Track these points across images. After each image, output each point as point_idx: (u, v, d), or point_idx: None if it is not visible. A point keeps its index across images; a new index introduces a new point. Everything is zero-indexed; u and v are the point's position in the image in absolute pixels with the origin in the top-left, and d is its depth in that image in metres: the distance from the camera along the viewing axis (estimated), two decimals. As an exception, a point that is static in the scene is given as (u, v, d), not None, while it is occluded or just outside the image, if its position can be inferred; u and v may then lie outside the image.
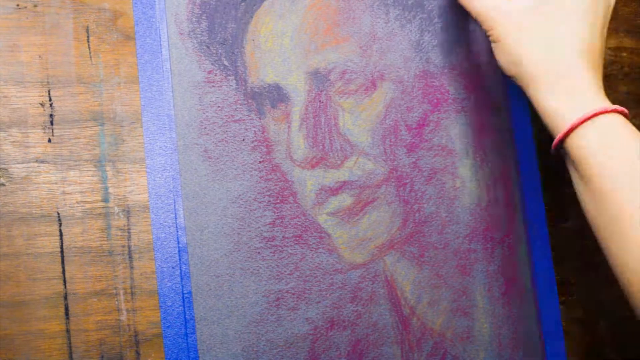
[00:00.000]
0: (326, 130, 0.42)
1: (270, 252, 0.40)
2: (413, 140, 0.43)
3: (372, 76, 0.43)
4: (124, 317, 0.37)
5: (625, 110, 0.34)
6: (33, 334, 0.36)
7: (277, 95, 0.41)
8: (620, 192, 0.33)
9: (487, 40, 0.39)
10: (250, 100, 0.41)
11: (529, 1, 0.37)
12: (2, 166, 0.37)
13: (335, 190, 0.41)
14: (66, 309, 0.37)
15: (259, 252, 0.40)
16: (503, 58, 0.37)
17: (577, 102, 0.34)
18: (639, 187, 0.32)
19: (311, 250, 0.41)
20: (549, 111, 0.35)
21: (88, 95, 0.39)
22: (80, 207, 0.38)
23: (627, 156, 0.33)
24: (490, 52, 0.39)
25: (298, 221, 0.41)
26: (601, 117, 0.34)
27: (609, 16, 0.37)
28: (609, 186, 0.33)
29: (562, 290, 0.46)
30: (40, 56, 0.38)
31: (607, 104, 0.34)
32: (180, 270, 0.38)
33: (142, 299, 0.38)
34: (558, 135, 0.35)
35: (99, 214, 0.38)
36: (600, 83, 0.36)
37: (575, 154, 0.35)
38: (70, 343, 0.36)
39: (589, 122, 0.34)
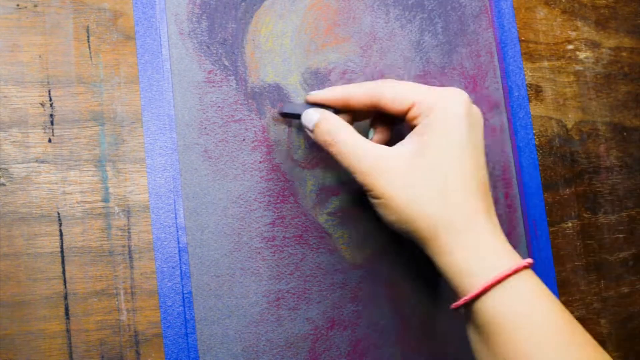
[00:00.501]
0: (326, 130, 0.42)
1: (271, 252, 0.40)
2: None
3: (372, 76, 0.43)
4: (124, 317, 0.37)
5: (531, 262, 0.31)
6: (33, 334, 0.36)
7: (277, 95, 0.41)
8: None
9: (488, 42, 0.39)
10: (250, 100, 0.41)
11: (409, 146, 0.33)
12: (2, 166, 0.37)
13: (336, 190, 0.41)
14: (66, 309, 0.37)
15: (259, 252, 0.40)
16: (391, 217, 0.33)
17: (484, 261, 0.31)
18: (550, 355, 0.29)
19: (312, 250, 0.41)
20: (451, 270, 0.32)
21: (88, 95, 0.39)
22: (80, 207, 0.38)
23: (539, 322, 0.30)
24: (490, 53, 0.39)
25: (298, 221, 0.41)
26: (513, 277, 0.30)
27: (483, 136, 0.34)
28: (518, 353, 0.30)
29: (562, 290, 0.46)
30: (40, 56, 0.38)
31: (515, 259, 0.31)
32: (181, 270, 0.38)
33: (142, 299, 0.38)
34: (463, 298, 0.31)
35: (99, 214, 0.38)
36: (499, 226, 0.33)
37: (481, 317, 0.31)
38: (70, 343, 0.36)
39: (500, 284, 0.30)
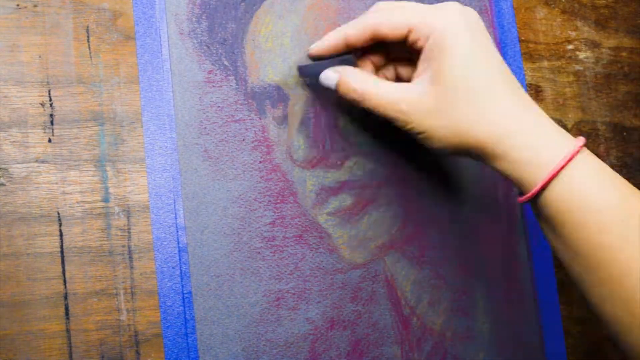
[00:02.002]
0: (326, 130, 0.42)
1: (271, 252, 0.40)
2: (413, 140, 0.43)
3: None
4: (124, 317, 0.37)
5: (584, 141, 0.31)
6: (33, 334, 0.36)
7: (277, 95, 0.41)
8: (612, 247, 0.29)
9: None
10: (250, 100, 0.41)
11: (425, 75, 0.33)
12: (2, 166, 0.37)
13: (336, 190, 0.41)
14: (66, 309, 0.37)
15: (259, 252, 0.40)
16: (439, 145, 0.34)
17: (539, 155, 0.31)
18: (633, 237, 0.29)
19: (311, 250, 0.41)
20: (511, 171, 0.32)
21: (88, 95, 0.39)
22: (80, 207, 0.38)
23: (601, 209, 0.30)
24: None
25: (298, 221, 0.41)
26: (569, 165, 0.30)
27: (485, 28, 0.34)
28: (595, 239, 0.30)
29: (562, 290, 0.46)
30: (40, 56, 0.38)
31: (568, 145, 0.31)
32: (180, 270, 0.38)
33: (142, 299, 0.38)
34: (525, 195, 0.32)
35: (99, 214, 0.38)
36: (540, 112, 0.32)
37: (548, 211, 0.32)
38: (70, 343, 0.36)
39: (558, 177, 0.31)
